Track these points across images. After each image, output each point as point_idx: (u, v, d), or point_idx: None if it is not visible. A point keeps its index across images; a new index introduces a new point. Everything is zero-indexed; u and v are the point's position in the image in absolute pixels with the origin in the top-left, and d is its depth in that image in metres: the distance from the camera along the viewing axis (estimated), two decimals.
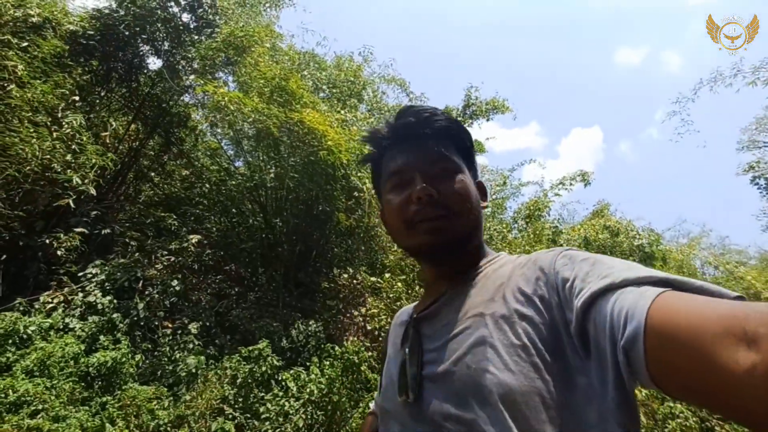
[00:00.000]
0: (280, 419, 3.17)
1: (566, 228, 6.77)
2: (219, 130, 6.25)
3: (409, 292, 4.71)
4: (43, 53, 4.27)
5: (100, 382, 2.96)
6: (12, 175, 3.64)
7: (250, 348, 3.51)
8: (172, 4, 5.56)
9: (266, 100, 4.89)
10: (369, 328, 4.48)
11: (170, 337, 3.95)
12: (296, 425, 3.14)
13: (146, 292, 4.24)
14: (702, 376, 0.32)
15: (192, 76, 6.05)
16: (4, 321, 3.00)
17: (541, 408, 0.45)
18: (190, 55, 5.62)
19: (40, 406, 2.47)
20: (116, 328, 3.58)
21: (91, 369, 2.92)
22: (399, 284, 4.74)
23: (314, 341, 4.35)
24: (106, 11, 5.10)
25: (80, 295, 3.73)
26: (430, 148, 0.66)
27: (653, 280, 0.41)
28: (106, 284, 3.94)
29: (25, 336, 2.99)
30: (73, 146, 4.10)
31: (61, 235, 4.07)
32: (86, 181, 4.01)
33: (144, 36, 5.40)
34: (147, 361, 3.62)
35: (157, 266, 4.65)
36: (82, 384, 2.87)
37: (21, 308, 3.49)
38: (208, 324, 4.32)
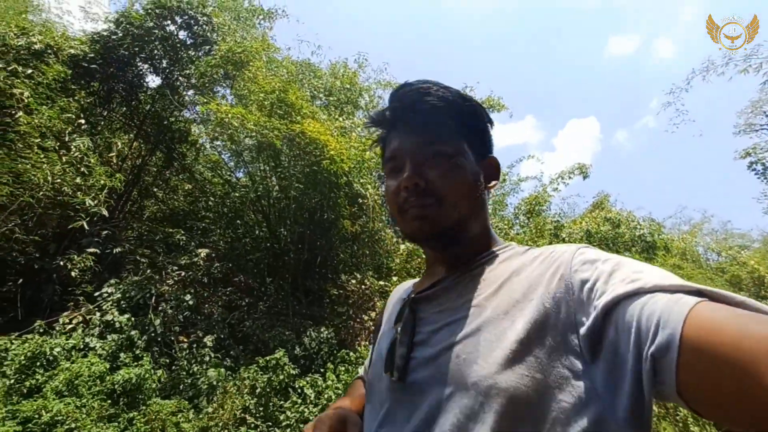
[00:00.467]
0: (301, 426, 3.27)
1: (567, 222, 6.84)
2: (219, 143, 6.32)
3: None
4: (48, 79, 4.37)
5: (125, 399, 3.06)
6: (26, 201, 3.73)
7: (268, 358, 3.60)
8: (169, 22, 5.66)
9: (267, 113, 4.97)
10: None
11: (187, 351, 4.04)
12: None
13: (159, 308, 4.33)
14: (745, 398, 0.31)
15: (191, 92, 6.16)
16: (30, 344, 3.09)
17: (523, 406, 0.44)
18: (188, 71, 5.71)
19: (72, 425, 2.56)
20: (135, 345, 3.68)
21: (116, 386, 3.01)
22: None
23: (327, 348, 4.44)
24: (105, 33, 5.20)
25: (98, 314, 3.82)
26: (424, 130, 0.63)
27: (687, 289, 0.39)
28: (122, 302, 4.03)
29: (51, 357, 3.08)
30: (82, 169, 4.20)
31: (75, 257, 4.16)
32: (97, 202, 4.10)
33: (143, 55, 5.50)
34: (166, 376, 3.71)
35: (168, 282, 4.73)
36: (109, 401, 2.96)
37: (41, 330, 3.58)
38: (221, 336, 4.41)
